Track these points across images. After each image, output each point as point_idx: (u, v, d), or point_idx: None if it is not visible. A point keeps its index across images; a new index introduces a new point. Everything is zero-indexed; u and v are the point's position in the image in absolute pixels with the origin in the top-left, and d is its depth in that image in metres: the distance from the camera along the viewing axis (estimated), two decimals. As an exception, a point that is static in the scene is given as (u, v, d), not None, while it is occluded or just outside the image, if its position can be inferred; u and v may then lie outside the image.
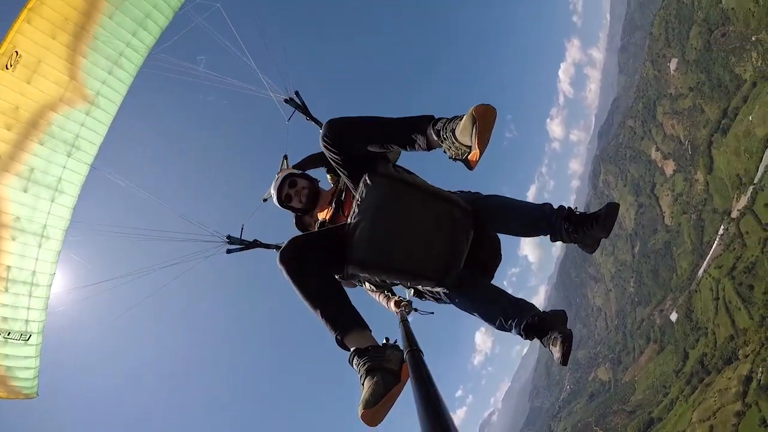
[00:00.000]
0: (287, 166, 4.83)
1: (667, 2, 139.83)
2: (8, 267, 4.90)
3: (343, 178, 3.63)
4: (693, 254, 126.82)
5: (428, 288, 3.52)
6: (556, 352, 2.92)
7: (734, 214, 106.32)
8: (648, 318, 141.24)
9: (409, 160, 3.82)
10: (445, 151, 3.02)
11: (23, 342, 5.14)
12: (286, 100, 5.29)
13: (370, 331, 2.94)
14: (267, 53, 5.54)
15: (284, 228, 4.64)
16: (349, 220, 3.27)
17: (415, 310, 4.43)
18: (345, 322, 2.92)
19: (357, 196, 3.30)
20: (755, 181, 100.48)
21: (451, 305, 3.94)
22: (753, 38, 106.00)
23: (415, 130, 3.10)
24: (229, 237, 5.27)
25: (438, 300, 3.99)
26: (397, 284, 3.60)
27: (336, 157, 3.34)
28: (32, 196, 4.92)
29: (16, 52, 4.50)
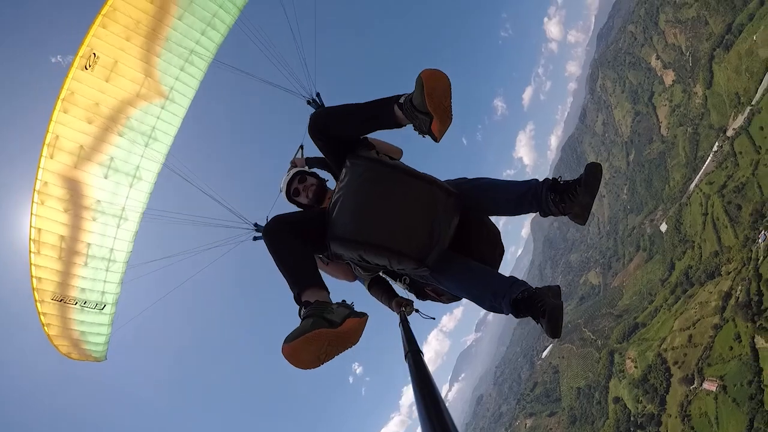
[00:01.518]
0: (302, 155, 4.97)
1: None
2: (89, 244, 5.27)
3: (333, 168, 3.70)
4: (686, 167, 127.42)
5: (412, 269, 3.34)
6: (545, 323, 2.83)
7: (730, 133, 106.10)
8: (639, 226, 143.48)
9: (409, 156, 3.87)
10: (414, 128, 3.13)
11: (98, 311, 5.54)
12: (308, 102, 5.49)
13: (329, 293, 2.91)
14: (295, 58, 5.61)
15: None
16: (331, 201, 3.37)
17: (416, 311, 4.23)
18: (305, 282, 2.91)
19: (339, 179, 3.39)
20: (753, 102, 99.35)
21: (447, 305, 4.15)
22: None
23: (385, 107, 3.18)
24: (256, 225, 5.46)
25: (440, 296, 4.02)
26: (381, 266, 3.42)
27: (322, 144, 3.46)
28: (113, 182, 5.27)
29: (94, 54, 4.82)
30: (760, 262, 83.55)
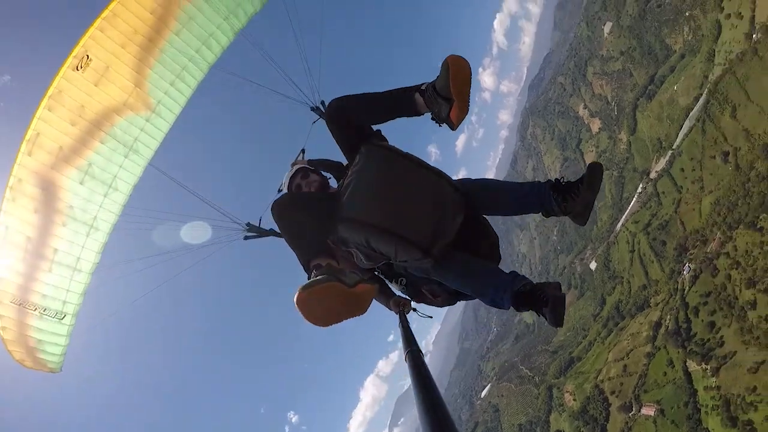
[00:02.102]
0: (303, 158, 5.05)
1: None
2: (55, 250, 5.13)
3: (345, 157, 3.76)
4: (613, 208, 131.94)
5: (417, 259, 3.34)
6: (548, 312, 2.90)
7: (653, 175, 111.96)
8: (569, 265, 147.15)
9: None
10: (432, 117, 3.28)
11: (57, 320, 5.35)
12: (312, 108, 5.59)
13: (339, 263, 2.99)
14: (299, 66, 5.75)
15: None
16: (342, 183, 3.44)
17: (414, 310, 4.27)
18: (316, 248, 2.98)
19: (352, 164, 3.44)
20: (674, 147, 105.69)
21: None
22: (687, 13, 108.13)
23: (406, 95, 3.31)
24: (248, 224, 5.43)
25: (435, 297, 4.05)
26: (385, 256, 3.39)
27: (339, 131, 3.51)
28: (88, 189, 5.15)
29: (87, 55, 4.74)
30: (686, 292, 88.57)
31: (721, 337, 77.67)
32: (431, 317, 4.48)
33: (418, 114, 3.35)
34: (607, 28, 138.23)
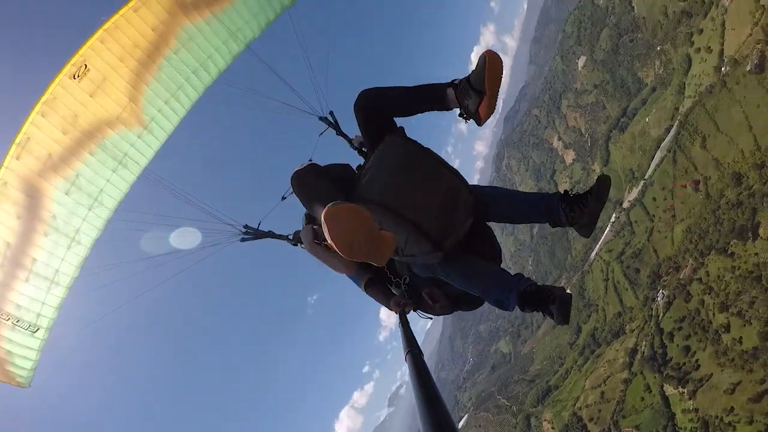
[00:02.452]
0: None
1: (584, 3, 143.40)
2: (34, 260, 5.05)
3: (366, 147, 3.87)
4: (587, 238, 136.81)
5: (427, 252, 3.40)
6: (555, 309, 3.02)
7: (625, 205, 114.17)
8: None
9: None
10: (460, 113, 3.43)
11: (30, 333, 5.24)
12: (320, 118, 5.69)
13: None
14: (304, 76, 5.90)
15: (296, 225, 4.92)
16: (363, 168, 3.55)
17: (414, 310, 4.26)
18: (335, 198, 2.99)
19: (375, 151, 3.54)
20: (646, 177, 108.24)
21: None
22: (658, 48, 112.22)
23: (438, 89, 3.44)
24: (246, 226, 5.44)
25: (435, 302, 4.12)
26: (397, 251, 3.44)
27: (366, 120, 3.58)
28: (73, 200, 5.08)
29: (86, 65, 4.74)
30: (660, 318, 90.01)
31: (697, 360, 78.80)
32: (431, 318, 4.46)
33: (447, 108, 3.45)
34: (581, 62, 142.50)
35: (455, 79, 3.35)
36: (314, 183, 3.40)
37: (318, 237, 4.31)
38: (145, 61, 5.09)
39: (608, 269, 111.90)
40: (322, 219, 2.64)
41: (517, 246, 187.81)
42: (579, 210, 3.38)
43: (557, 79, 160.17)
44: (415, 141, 3.50)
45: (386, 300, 4.24)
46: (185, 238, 5.69)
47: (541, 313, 3.17)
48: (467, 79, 3.27)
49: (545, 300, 3.10)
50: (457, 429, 1.21)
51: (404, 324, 3.02)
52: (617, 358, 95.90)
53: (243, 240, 5.43)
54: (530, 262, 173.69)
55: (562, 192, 3.54)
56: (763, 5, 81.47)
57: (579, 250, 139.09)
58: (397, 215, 3.22)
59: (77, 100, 4.80)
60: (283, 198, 5.14)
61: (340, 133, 5.58)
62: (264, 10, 5.86)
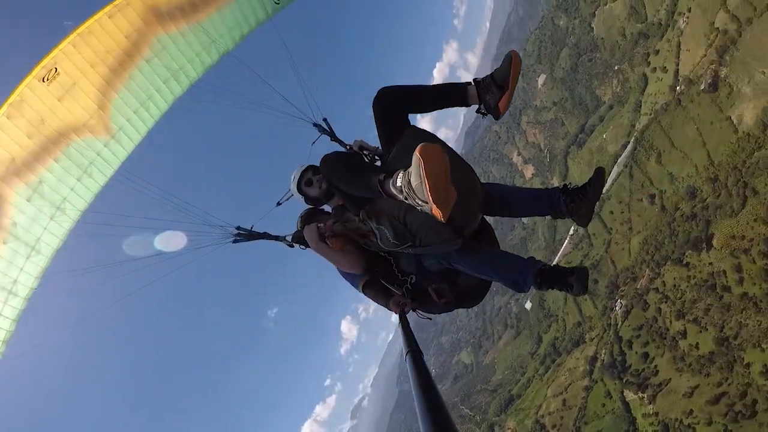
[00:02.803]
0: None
1: (545, 23, 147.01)
2: None
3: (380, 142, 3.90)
4: (546, 250, 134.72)
5: (446, 239, 3.50)
6: (574, 280, 3.29)
7: None
8: (505, 306, 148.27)
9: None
10: (478, 110, 3.63)
11: None
12: (314, 124, 5.62)
13: None
14: (296, 83, 5.87)
15: (286, 230, 4.91)
16: (387, 156, 3.67)
17: (413, 309, 4.30)
18: (383, 170, 3.25)
19: (397, 141, 3.63)
20: (603, 191, 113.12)
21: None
22: (616, 67, 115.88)
23: (459, 86, 3.63)
24: (238, 228, 5.30)
25: (441, 297, 4.18)
26: (413, 235, 3.53)
27: (384, 116, 3.66)
28: (34, 208, 4.90)
29: (56, 68, 4.60)
30: (619, 326, 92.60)
31: (656, 366, 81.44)
32: (430, 318, 4.53)
33: (467, 104, 3.63)
34: (541, 80, 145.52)
35: (475, 78, 3.58)
36: (353, 158, 3.58)
37: (322, 236, 4.33)
38: (116, 68, 4.97)
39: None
40: (418, 152, 2.82)
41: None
42: (579, 200, 3.61)
43: (518, 96, 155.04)
44: (435, 134, 3.64)
45: (385, 300, 4.31)
46: (171, 241, 5.49)
47: (558, 288, 3.43)
48: (491, 75, 3.49)
49: (563, 275, 3.39)
50: (458, 429, 1.20)
51: (404, 324, 3.10)
52: (578, 366, 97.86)
53: (235, 242, 5.28)
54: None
55: (562, 185, 3.78)
56: (717, 27, 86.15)
57: None
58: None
59: (45, 104, 4.63)
60: (278, 204, 5.27)
61: (335, 139, 5.56)
62: (240, 25, 5.80)
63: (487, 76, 3.52)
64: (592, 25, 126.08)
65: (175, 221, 5.33)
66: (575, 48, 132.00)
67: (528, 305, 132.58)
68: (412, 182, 2.97)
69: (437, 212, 2.98)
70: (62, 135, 4.82)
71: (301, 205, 5.20)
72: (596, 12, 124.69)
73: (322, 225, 4.38)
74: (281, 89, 5.72)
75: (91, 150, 5.08)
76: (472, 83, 3.56)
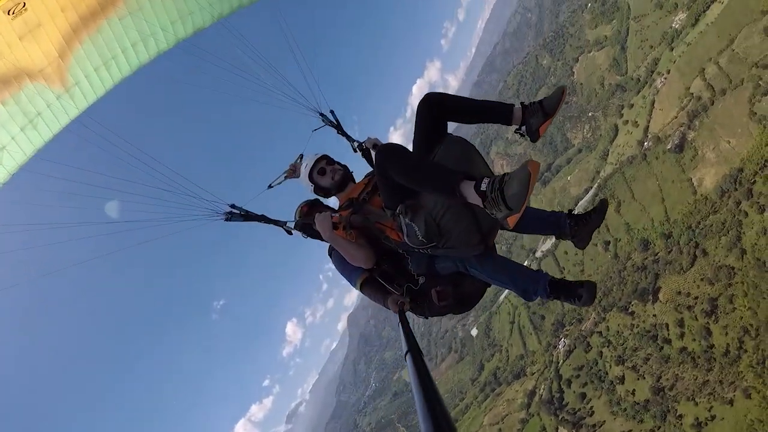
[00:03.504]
0: (300, 162, 5.07)
1: (528, 60, 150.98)
2: None
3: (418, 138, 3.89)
4: None
5: (473, 246, 3.64)
6: (584, 291, 3.66)
7: (538, 254, 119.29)
8: (451, 330, 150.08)
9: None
10: (518, 128, 3.78)
11: None
12: (320, 114, 5.56)
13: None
14: (304, 74, 5.64)
15: (288, 215, 4.75)
16: (433, 155, 3.70)
17: (411, 309, 4.28)
18: (458, 173, 3.21)
19: (439, 149, 3.70)
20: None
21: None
22: (590, 113, 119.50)
23: (505, 106, 3.78)
24: (233, 206, 5.00)
25: (441, 300, 4.15)
26: (442, 235, 3.60)
27: (428, 119, 3.72)
28: None
29: (24, 3, 4.32)
30: (560, 364, 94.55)
31: (592, 407, 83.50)
32: (425, 317, 4.49)
33: (508, 123, 3.80)
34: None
35: (522, 102, 3.77)
36: (409, 163, 3.45)
37: (336, 226, 4.31)
38: (86, 18, 4.66)
39: (515, 313, 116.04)
40: (529, 165, 2.91)
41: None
42: (582, 225, 4.01)
43: (490, 125, 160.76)
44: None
45: (383, 299, 4.30)
46: (155, 207, 5.00)
47: (564, 299, 3.81)
48: (540, 102, 3.69)
49: (573, 286, 3.76)
50: (457, 429, 1.21)
51: (404, 323, 3.09)
52: (516, 398, 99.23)
53: (228, 219, 4.98)
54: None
55: (567, 211, 4.18)
56: (692, 93, 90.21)
57: (489, 291, 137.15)
58: (466, 205, 3.33)
59: (4, 38, 4.32)
60: (270, 186, 5.16)
61: (342, 132, 5.52)
62: (221, 1, 5.59)
63: (535, 101, 3.71)
64: (574, 69, 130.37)
65: (164, 190, 4.90)
66: (553, 88, 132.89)
67: (474, 332, 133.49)
68: (509, 191, 2.95)
69: (512, 220, 3.05)
70: (15, 76, 4.49)
71: (294, 191, 5.08)
72: (580, 57, 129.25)
73: (336, 215, 4.36)
74: (289, 76, 5.53)
75: (41, 99, 4.74)
76: (519, 105, 3.74)
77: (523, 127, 3.74)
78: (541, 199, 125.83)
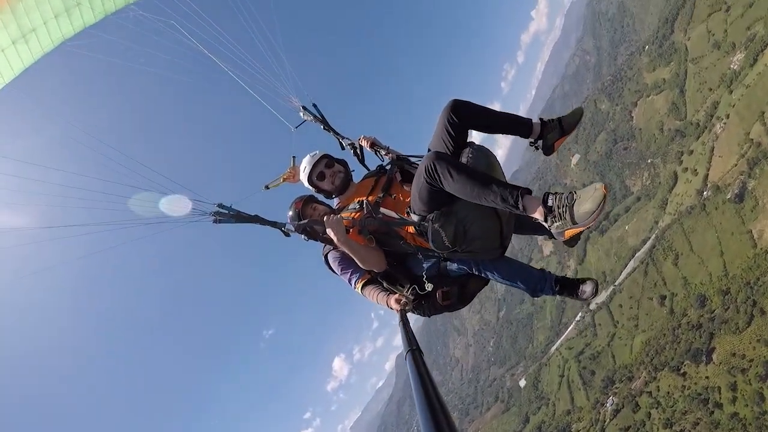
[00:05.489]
0: (293, 165, 4.95)
1: (587, 104, 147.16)
2: None
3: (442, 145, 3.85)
4: (550, 330, 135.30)
5: (493, 248, 3.81)
6: (587, 286, 3.93)
7: (592, 306, 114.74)
8: (500, 378, 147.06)
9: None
10: (534, 141, 3.84)
11: None
12: (303, 108, 5.37)
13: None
14: (284, 66, 5.32)
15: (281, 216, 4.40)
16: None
17: (413, 310, 4.20)
18: (518, 186, 3.25)
19: (466, 154, 3.74)
20: (616, 283, 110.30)
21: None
22: (649, 160, 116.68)
23: (525, 119, 3.83)
24: (220, 205, 4.49)
25: (444, 300, 4.17)
26: (466, 239, 3.67)
27: (451, 125, 3.69)
28: None
29: None
30: (606, 423, 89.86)
31: (635, 471, 77.95)
32: (428, 316, 4.50)
33: (526, 136, 3.82)
34: (575, 159, 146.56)
35: (541, 117, 3.88)
36: (464, 173, 3.40)
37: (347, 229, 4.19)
38: None
39: (565, 366, 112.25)
40: (603, 188, 3.02)
41: (482, 325, 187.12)
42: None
43: (549, 171, 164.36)
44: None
45: (385, 298, 4.17)
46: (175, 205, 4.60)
47: (569, 294, 3.99)
48: (558, 119, 3.81)
49: (576, 283, 3.99)
50: (457, 429, 1.22)
51: (405, 323, 3.12)
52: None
53: (217, 221, 4.47)
54: (491, 344, 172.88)
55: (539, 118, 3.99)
56: (752, 139, 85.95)
57: (541, 341, 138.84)
58: (494, 213, 3.60)
59: None
60: (266, 188, 5.01)
61: (329, 128, 5.28)
62: None
63: (555, 118, 3.83)
64: (633, 114, 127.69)
65: (139, 189, 4.54)
66: (613, 134, 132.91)
67: (522, 383, 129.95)
68: (581, 208, 3.06)
69: (572, 232, 3.20)
70: None
71: (292, 190, 4.89)
72: (638, 102, 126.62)
73: (348, 218, 4.22)
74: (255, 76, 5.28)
75: None
76: (539, 120, 3.84)
77: (539, 141, 3.86)
78: (598, 249, 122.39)
